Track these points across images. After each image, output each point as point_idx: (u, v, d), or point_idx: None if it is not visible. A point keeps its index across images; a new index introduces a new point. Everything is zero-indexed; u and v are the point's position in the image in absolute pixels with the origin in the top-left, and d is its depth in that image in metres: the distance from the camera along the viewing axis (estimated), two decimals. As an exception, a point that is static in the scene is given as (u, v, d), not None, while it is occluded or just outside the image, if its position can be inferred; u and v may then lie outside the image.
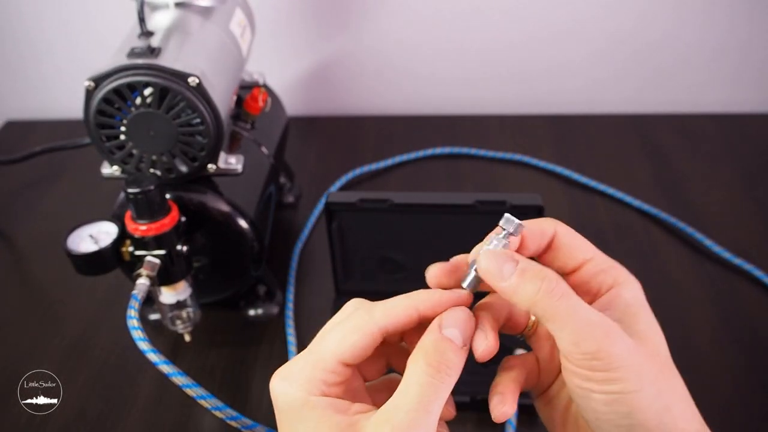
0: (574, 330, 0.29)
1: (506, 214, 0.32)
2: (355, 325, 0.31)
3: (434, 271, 0.33)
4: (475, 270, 0.32)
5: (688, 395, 0.31)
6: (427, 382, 0.28)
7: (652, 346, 0.31)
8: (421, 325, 0.32)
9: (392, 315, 0.31)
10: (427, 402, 0.28)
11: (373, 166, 0.85)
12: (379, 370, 0.35)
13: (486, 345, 0.31)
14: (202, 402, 0.42)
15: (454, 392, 0.32)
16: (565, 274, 0.34)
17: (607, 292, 0.33)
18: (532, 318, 0.35)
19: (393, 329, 0.31)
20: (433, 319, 0.31)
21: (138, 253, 0.53)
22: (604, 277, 0.33)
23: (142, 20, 0.53)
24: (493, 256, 0.31)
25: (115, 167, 0.55)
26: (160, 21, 0.57)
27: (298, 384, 0.30)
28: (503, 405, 0.32)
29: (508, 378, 0.33)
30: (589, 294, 0.33)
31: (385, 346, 0.32)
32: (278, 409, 0.30)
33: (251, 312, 0.65)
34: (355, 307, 0.32)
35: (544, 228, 0.33)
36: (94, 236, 0.53)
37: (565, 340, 0.29)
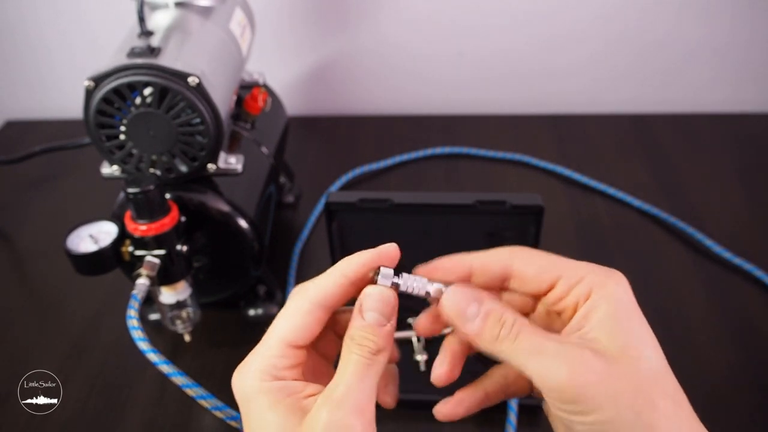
0: (535, 369, 0.30)
1: (382, 269, 0.32)
2: (293, 306, 0.32)
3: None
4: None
5: (678, 403, 0.29)
6: (359, 360, 0.30)
7: (628, 362, 0.29)
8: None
9: (323, 288, 0.32)
10: (362, 373, 0.30)
11: (373, 166, 0.85)
12: (337, 345, 0.36)
13: (440, 372, 0.35)
14: (202, 402, 0.42)
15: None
16: (539, 296, 0.33)
17: (584, 305, 0.31)
18: None
19: (330, 302, 0.32)
20: (368, 280, 0.33)
21: (138, 253, 0.53)
22: (580, 289, 0.32)
23: (141, 20, 0.53)
24: (460, 295, 0.32)
25: (115, 167, 0.55)
26: (160, 21, 0.57)
27: (251, 374, 0.31)
28: (444, 405, 0.36)
29: (473, 390, 0.36)
30: (566, 311, 0.32)
31: (339, 326, 0.34)
32: (239, 403, 0.32)
33: (251, 312, 0.65)
34: (294, 292, 0.34)
35: (494, 263, 0.33)
36: (94, 236, 0.53)
37: (531, 377, 0.30)
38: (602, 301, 0.31)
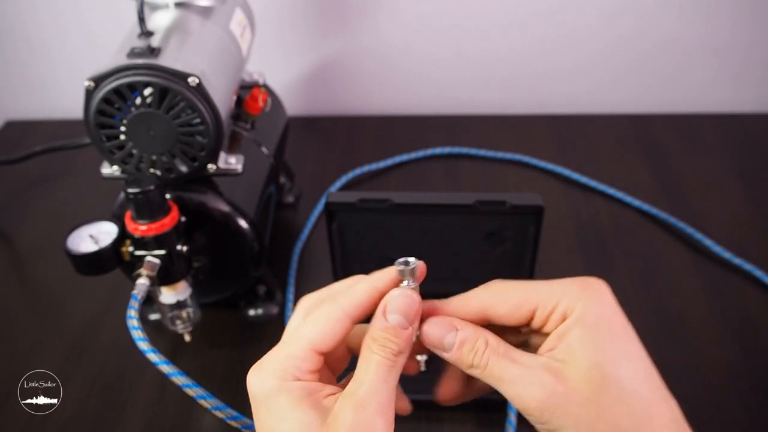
0: (506, 393, 0.32)
1: (398, 266, 0.33)
2: (324, 313, 0.33)
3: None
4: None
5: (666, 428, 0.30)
6: (380, 361, 0.31)
7: (598, 385, 0.30)
8: None
9: (356, 299, 0.33)
10: (384, 374, 0.31)
11: (373, 166, 0.85)
12: (345, 358, 0.37)
13: (440, 392, 0.38)
14: (202, 402, 0.42)
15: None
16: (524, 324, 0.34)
17: (559, 326, 0.32)
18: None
19: (360, 312, 0.33)
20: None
21: (138, 253, 0.53)
22: (555, 317, 0.32)
23: (142, 20, 0.53)
24: (437, 326, 0.33)
25: (115, 167, 0.55)
26: (160, 21, 0.57)
27: (272, 373, 0.32)
28: (439, 389, 0.38)
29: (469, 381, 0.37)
30: (548, 330, 0.33)
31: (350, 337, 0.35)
32: (254, 399, 0.32)
33: (251, 312, 0.65)
34: (320, 300, 0.35)
35: (471, 313, 0.34)
36: (94, 236, 0.53)
37: (507, 398, 0.32)
38: (576, 324, 0.31)
